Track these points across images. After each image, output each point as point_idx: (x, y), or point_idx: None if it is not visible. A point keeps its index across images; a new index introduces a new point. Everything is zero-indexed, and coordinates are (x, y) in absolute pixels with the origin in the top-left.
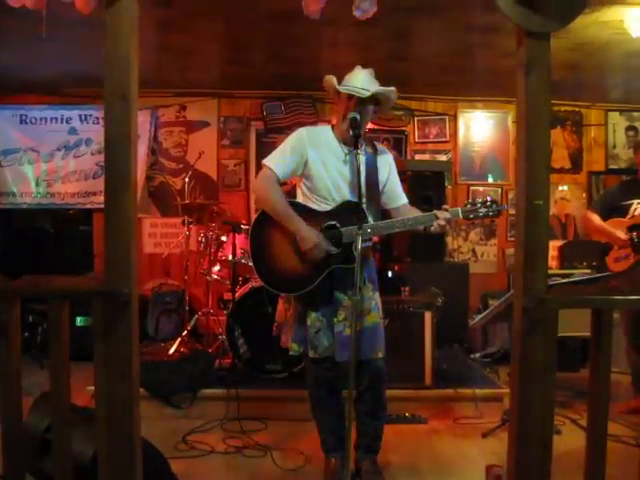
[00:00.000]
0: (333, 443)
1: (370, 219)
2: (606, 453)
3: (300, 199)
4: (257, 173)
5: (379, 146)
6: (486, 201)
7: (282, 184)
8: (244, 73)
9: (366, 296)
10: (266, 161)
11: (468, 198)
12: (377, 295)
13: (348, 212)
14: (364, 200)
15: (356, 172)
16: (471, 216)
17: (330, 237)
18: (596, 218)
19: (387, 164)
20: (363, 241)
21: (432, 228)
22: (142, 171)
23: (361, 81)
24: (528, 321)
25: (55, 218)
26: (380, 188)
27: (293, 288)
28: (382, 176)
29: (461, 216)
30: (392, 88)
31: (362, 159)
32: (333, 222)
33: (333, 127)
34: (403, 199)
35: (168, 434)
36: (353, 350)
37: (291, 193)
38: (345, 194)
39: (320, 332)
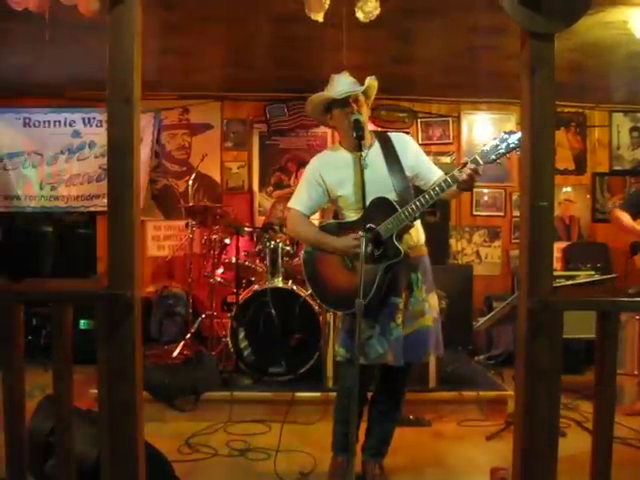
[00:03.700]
0: (345, 445)
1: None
2: (612, 455)
3: (340, 218)
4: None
5: (390, 134)
6: (502, 136)
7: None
8: (247, 76)
9: (419, 298)
10: (290, 204)
11: (472, 200)
12: (431, 296)
13: (379, 209)
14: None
15: (360, 174)
16: (492, 157)
17: (369, 240)
18: (626, 217)
19: (407, 146)
20: (405, 227)
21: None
22: (145, 174)
23: (346, 84)
24: (533, 323)
25: (58, 221)
26: (409, 174)
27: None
28: (408, 160)
29: (482, 162)
30: (372, 77)
31: (374, 156)
32: (369, 225)
33: (340, 143)
34: (437, 173)
35: (171, 437)
36: (356, 352)
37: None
38: (374, 196)
39: (373, 339)
